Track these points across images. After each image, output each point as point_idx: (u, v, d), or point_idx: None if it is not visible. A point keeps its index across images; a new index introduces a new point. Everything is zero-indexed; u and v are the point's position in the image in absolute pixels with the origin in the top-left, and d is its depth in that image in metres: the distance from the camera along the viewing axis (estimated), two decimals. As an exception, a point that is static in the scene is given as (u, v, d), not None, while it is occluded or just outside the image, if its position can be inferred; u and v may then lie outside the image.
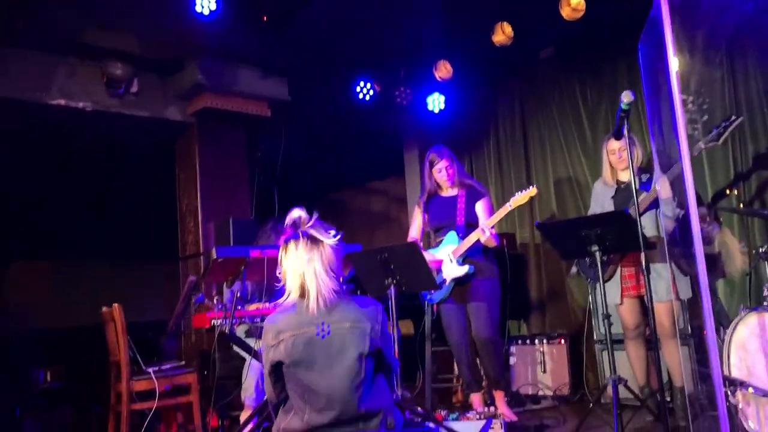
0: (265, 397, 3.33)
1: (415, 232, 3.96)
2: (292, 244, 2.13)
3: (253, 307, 3.66)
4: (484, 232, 3.59)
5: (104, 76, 4.54)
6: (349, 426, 2.09)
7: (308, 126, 5.64)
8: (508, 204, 3.59)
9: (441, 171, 3.81)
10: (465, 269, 3.69)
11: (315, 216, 2.20)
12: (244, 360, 3.83)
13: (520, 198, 3.58)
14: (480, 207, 3.80)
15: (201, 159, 5.11)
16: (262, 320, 3.40)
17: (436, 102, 5.39)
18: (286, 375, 2.14)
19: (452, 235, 3.78)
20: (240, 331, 3.81)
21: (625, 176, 3.55)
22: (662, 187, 3.28)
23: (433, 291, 3.77)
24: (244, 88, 4.93)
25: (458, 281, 3.75)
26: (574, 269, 3.71)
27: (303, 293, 2.13)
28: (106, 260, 6.79)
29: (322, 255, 2.12)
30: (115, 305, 3.57)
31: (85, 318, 5.26)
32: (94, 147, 5.43)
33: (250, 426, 3.36)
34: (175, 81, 4.92)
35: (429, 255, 3.73)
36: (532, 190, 3.57)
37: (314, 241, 2.13)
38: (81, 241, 6.47)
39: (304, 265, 2.10)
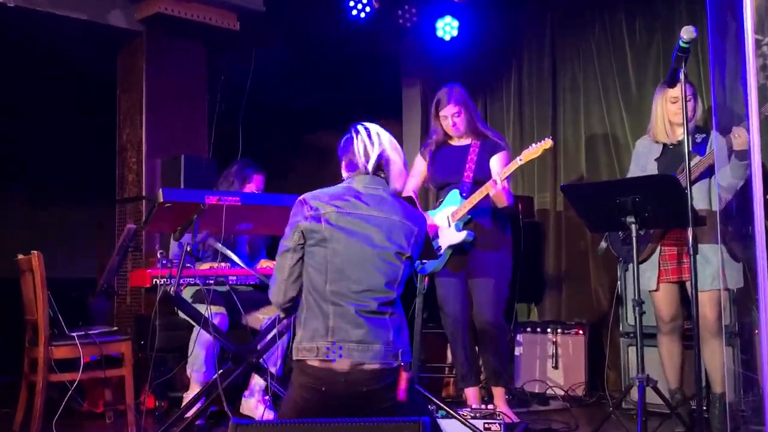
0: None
1: (411, 185, 3.96)
2: (378, 127, 2.48)
3: (205, 266, 3.65)
4: (496, 184, 3.58)
5: (32, -36, 4.41)
6: (375, 339, 2.27)
7: (285, 47, 5.53)
8: (518, 158, 3.59)
9: (446, 118, 3.81)
10: (463, 235, 3.71)
11: None
12: (191, 329, 3.84)
13: (533, 151, 3.57)
14: (496, 162, 3.80)
15: (149, 79, 5.02)
16: (217, 282, 3.41)
17: (447, 27, 5.31)
18: (314, 254, 2.32)
19: (454, 194, 3.79)
20: (187, 293, 3.82)
21: (677, 134, 3.49)
22: (738, 138, 3.19)
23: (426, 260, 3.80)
24: (207, -8, 4.86)
25: (456, 250, 3.77)
26: (603, 244, 3.75)
27: (366, 171, 2.44)
28: (24, 200, 6.71)
29: (398, 158, 2.48)
30: (35, 253, 3.55)
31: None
32: (15, 55, 5.30)
33: (195, 408, 3.39)
34: (122, -21, 4.82)
35: (427, 218, 3.74)
36: (547, 143, 3.56)
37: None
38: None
39: (387, 146, 2.45)
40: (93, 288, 5.49)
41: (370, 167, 2.43)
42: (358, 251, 2.32)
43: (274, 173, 4.75)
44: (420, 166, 3.99)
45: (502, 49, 5.44)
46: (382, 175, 2.45)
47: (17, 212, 6.61)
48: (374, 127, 2.50)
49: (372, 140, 2.45)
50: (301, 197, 2.42)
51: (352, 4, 5.09)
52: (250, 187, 4.11)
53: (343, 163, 2.50)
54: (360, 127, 2.48)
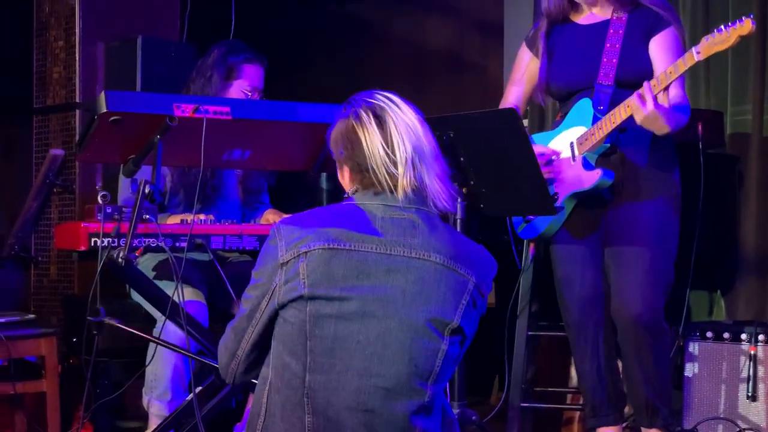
0: (188, 397, 3.42)
1: (515, 95, 4.01)
2: (389, 101, 2.44)
3: (174, 219, 3.68)
4: (644, 102, 3.50)
5: None
6: None
7: None
8: (694, 50, 3.50)
9: None
10: (596, 177, 3.70)
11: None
12: (151, 322, 3.93)
13: (720, 38, 3.46)
14: (658, 49, 3.74)
15: None
16: (193, 247, 3.43)
17: None
18: (287, 321, 2.33)
19: (584, 106, 3.78)
20: (146, 264, 3.89)
21: None
22: None
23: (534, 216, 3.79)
24: None
25: (585, 200, 3.76)
26: None
27: (380, 184, 2.41)
28: None
29: (426, 136, 2.45)
30: None
31: None
32: None
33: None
34: None
35: (538, 147, 3.75)
36: (745, 24, 3.42)
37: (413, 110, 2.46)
38: None
39: (420, 134, 2.42)
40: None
41: (395, 182, 2.37)
42: (360, 322, 2.30)
43: (287, 68, 4.72)
44: (527, 62, 3.98)
45: None
46: (415, 191, 2.39)
47: None
48: (389, 102, 2.45)
49: (396, 130, 2.39)
50: (275, 225, 2.42)
51: None
52: (239, 86, 4.21)
53: (345, 169, 2.46)
54: (364, 110, 2.41)
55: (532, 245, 4.02)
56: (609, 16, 3.80)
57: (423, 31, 6.94)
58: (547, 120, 5.41)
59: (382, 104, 2.40)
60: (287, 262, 2.31)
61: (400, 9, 6.96)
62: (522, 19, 5.74)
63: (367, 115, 2.38)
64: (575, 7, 3.86)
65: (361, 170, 2.39)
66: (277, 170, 4.36)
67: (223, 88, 4.16)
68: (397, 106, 2.41)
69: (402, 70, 6.79)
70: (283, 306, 2.31)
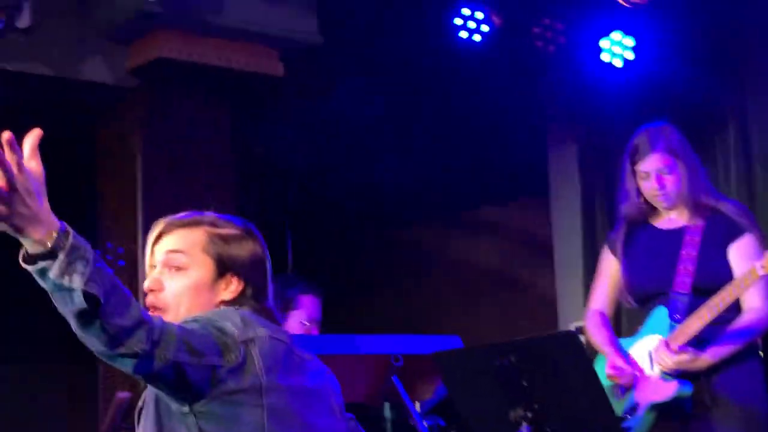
0: None
1: (600, 299, 4.04)
2: None
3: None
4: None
5: (-33, -2, 4.70)
6: None
7: (353, 100, 5.68)
8: (756, 264, 3.54)
9: (648, 177, 3.83)
10: (673, 389, 3.66)
11: None
12: None
13: None
14: (738, 254, 3.75)
15: (146, 162, 5.24)
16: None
17: (616, 48, 5.38)
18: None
19: (660, 315, 3.79)
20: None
21: None
22: None
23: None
24: (232, 20, 5.04)
25: (665, 412, 3.70)
26: None
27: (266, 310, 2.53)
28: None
29: None
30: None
31: None
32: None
33: None
34: (100, 9, 5.01)
35: (614, 355, 3.77)
36: None
37: None
38: None
39: None
40: None
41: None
42: (306, 398, 2.38)
43: (345, 299, 4.74)
44: (609, 265, 4.01)
45: (712, 76, 5.41)
46: None
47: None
48: None
49: None
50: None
51: (459, 22, 5.23)
52: (297, 317, 4.21)
53: (233, 280, 2.43)
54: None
55: None
56: (683, 223, 3.85)
57: (473, 249, 6.97)
58: (623, 322, 5.34)
59: None
60: (243, 341, 2.23)
61: (451, 232, 7.02)
62: (569, 232, 5.78)
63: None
64: (654, 210, 3.91)
65: (257, 293, 2.44)
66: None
67: (281, 320, 4.22)
68: None
69: (453, 291, 6.79)
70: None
